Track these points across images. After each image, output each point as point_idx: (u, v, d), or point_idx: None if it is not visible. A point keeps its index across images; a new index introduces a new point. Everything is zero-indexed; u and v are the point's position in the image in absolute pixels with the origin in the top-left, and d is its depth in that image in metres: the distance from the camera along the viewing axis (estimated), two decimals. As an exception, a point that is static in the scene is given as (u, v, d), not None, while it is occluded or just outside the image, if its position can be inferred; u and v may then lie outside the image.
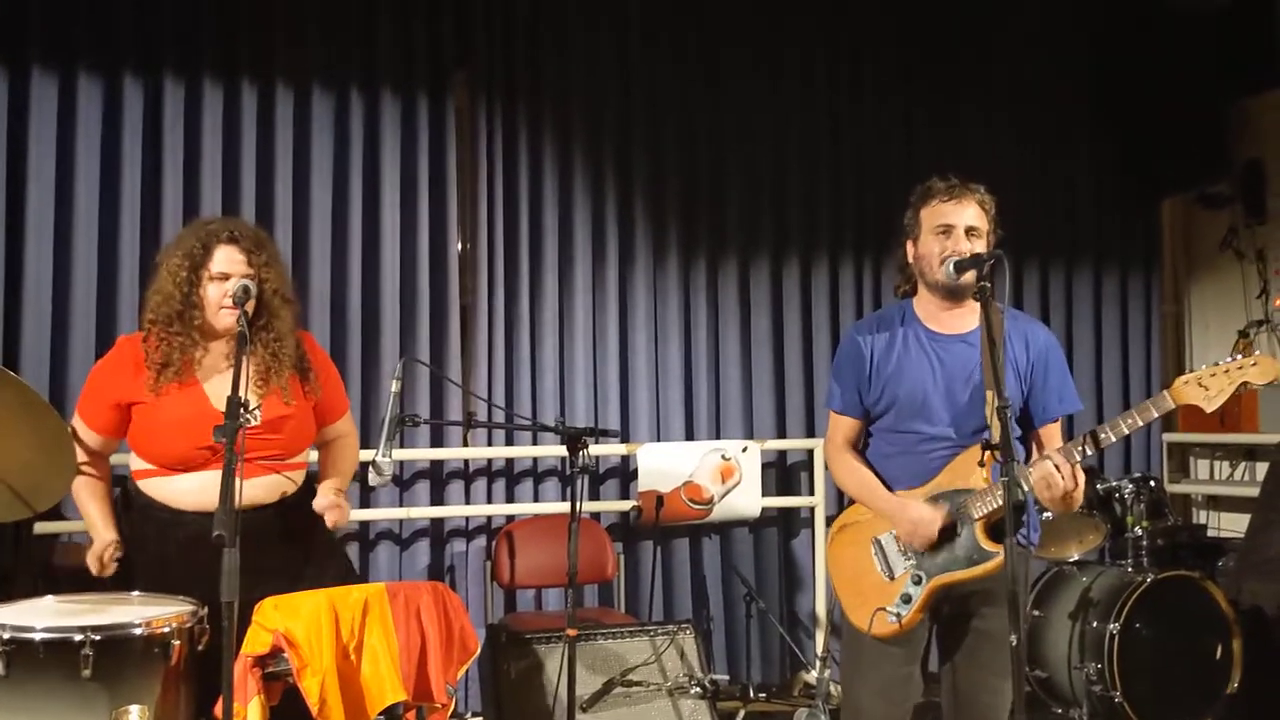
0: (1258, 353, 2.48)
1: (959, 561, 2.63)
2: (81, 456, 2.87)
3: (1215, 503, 5.78)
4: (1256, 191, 5.68)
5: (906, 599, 2.67)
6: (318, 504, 2.88)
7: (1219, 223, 5.87)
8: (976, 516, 2.61)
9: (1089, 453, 2.52)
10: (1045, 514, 4.29)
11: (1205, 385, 2.47)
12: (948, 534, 2.63)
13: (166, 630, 2.40)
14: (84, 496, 2.88)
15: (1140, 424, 2.52)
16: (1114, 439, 2.53)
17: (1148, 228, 5.84)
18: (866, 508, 2.82)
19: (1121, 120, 5.61)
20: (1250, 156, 5.69)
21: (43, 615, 2.45)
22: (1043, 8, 5.43)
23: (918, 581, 2.66)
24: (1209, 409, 2.49)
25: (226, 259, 2.82)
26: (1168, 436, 5.75)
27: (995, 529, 2.60)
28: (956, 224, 2.69)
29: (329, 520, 2.87)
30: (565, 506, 4.62)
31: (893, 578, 2.72)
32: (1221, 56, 5.46)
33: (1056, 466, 2.48)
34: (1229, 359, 2.48)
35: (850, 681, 2.89)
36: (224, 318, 2.79)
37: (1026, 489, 2.55)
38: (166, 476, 2.80)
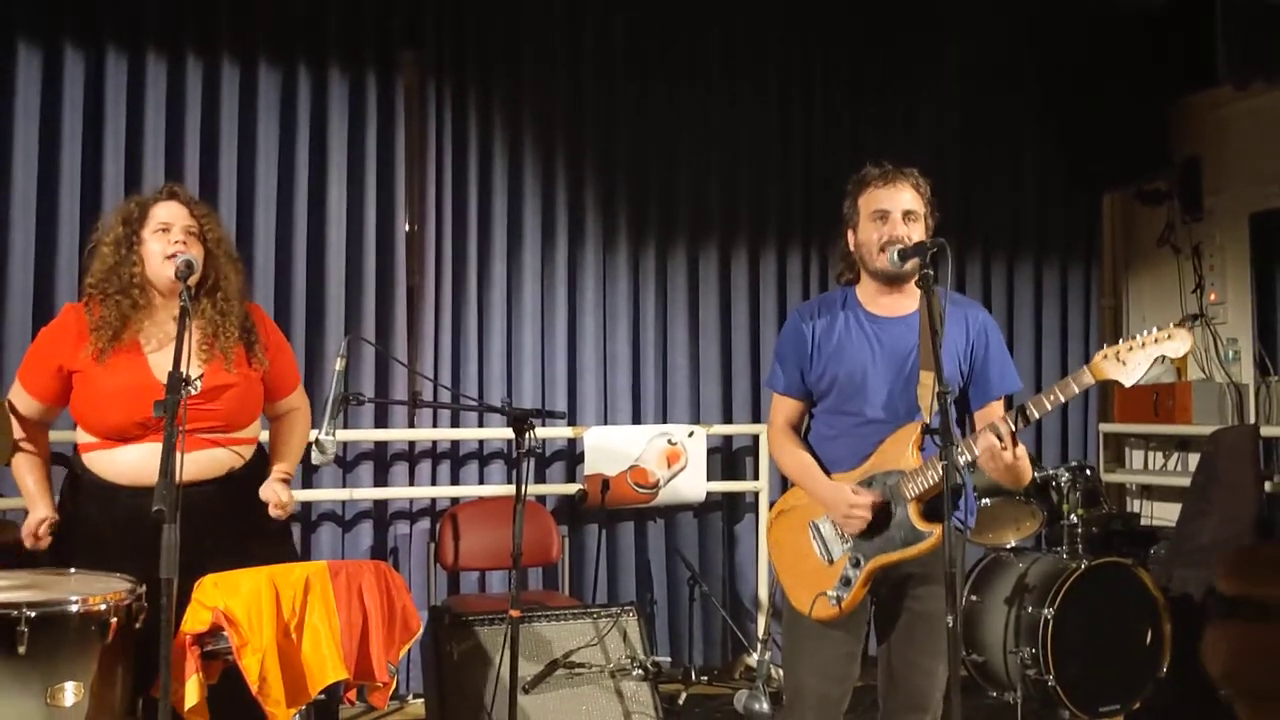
0: (1172, 325, 2.51)
1: (894, 543, 2.66)
2: (19, 432, 2.83)
3: (1149, 492, 5.90)
4: (1194, 189, 5.80)
5: (846, 581, 2.70)
6: (263, 493, 2.86)
7: (1157, 219, 5.98)
8: (910, 497, 2.64)
9: (1019, 427, 2.55)
10: (984, 500, 4.39)
11: (1123, 360, 2.51)
12: (883, 516, 2.66)
13: (103, 608, 2.37)
14: (21, 471, 2.85)
15: (1063, 399, 2.55)
16: (1039, 414, 2.56)
17: (1088, 222, 5.94)
18: (804, 492, 2.85)
19: (1065, 116, 5.70)
20: (1188, 154, 5.80)
21: (-24, 591, 2.41)
22: (990, 4, 5.50)
23: (856, 564, 2.69)
24: (1128, 383, 2.53)
25: (167, 212, 2.81)
26: (1104, 427, 5.87)
27: (930, 509, 2.63)
28: (892, 209, 2.72)
29: (271, 512, 2.85)
30: (510, 489, 4.63)
31: (831, 561, 2.75)
32: (1162, 55, 5.57)
33: (999, 436, 2.53)
34: (1145, 332, 2.52)
35: (792, 663, 2.91)
36: (166, 270, 2.74)
37: (970, 460, 2.58)
38: (107, 449, 2.76)
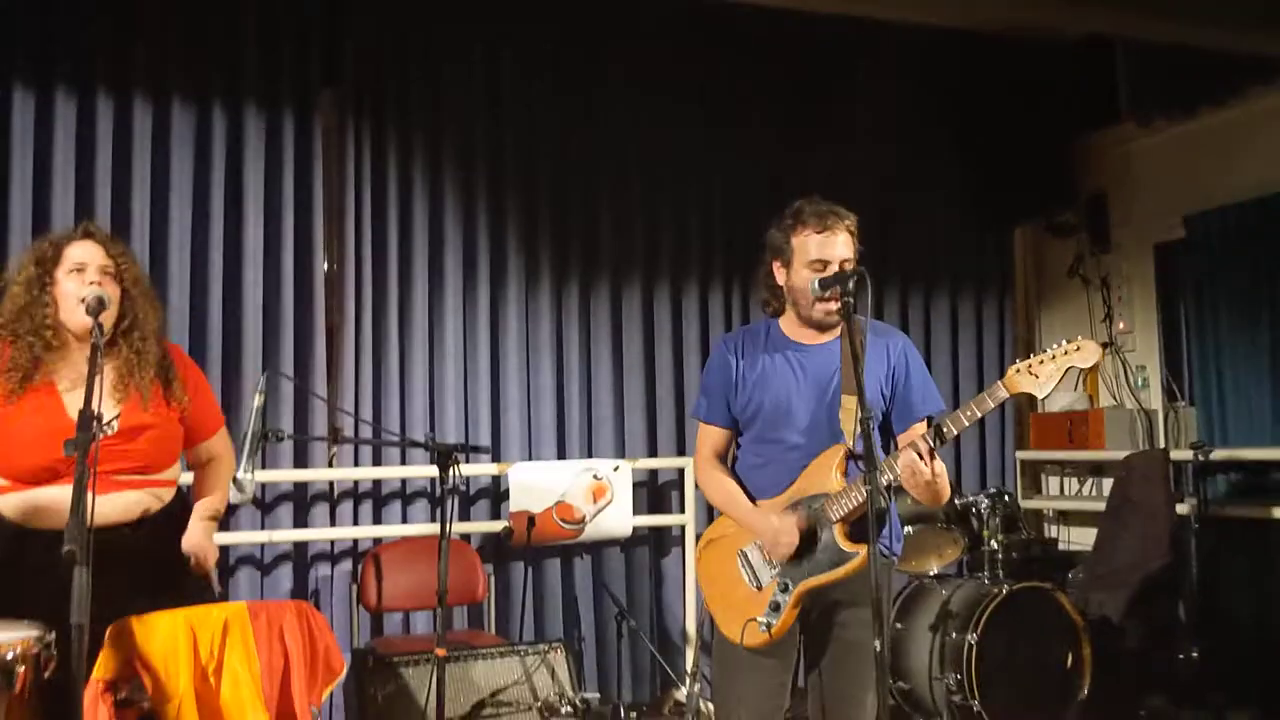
0: (1080, 338, 2.58)
1: (822, 565, 2.68)
2: None
3: (1065, 517, 6.02)
4: (1101, 222, 5.98)
5: (775, 607, 2.71)
6: (186, 544, 2.79)
7: (1067, 250, 6.14)
8: (835, 519, 2.66)
9: (937, 444, 2.59)
10: (907, 528, 4.44)
11: (1035, 373, 2.57)
12: (809, 539, 2.68)
13: (10, 656, 2.27)
14: None
15: (979, 414, 2.60)
16: (956, 431, 2.61)
17: (1000, 255, 6.09)
18: (731, 520, 2.86)
19: (975, 150, 5.83)
20: (1095, 188, 5.99)
21: (-125, 642, 2.30)
22: (900, 42, 5.63)
23: (784, 589, 2.71)
24: (1040, 394, 2.60)
25: (82, 251, 2.75)
26: (1021, 454, 5.98)
27: (855, 531, 2.65)
28: (831, 259, 2.73)
29: (193, 564, 2.78)
30: (434, 528, 4.60)
31: (760, 588, 2.76)
32: (1066, 93, 5.75)
33: (919, 454, 2.56)
34: (1055, 345, 2.58)
35: (723, 695, 2.91)
36: (80, 314, 2.66)
37: (893, 479, 2.61)
38: (19, 491, 2.66)
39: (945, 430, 2.59)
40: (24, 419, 2.65)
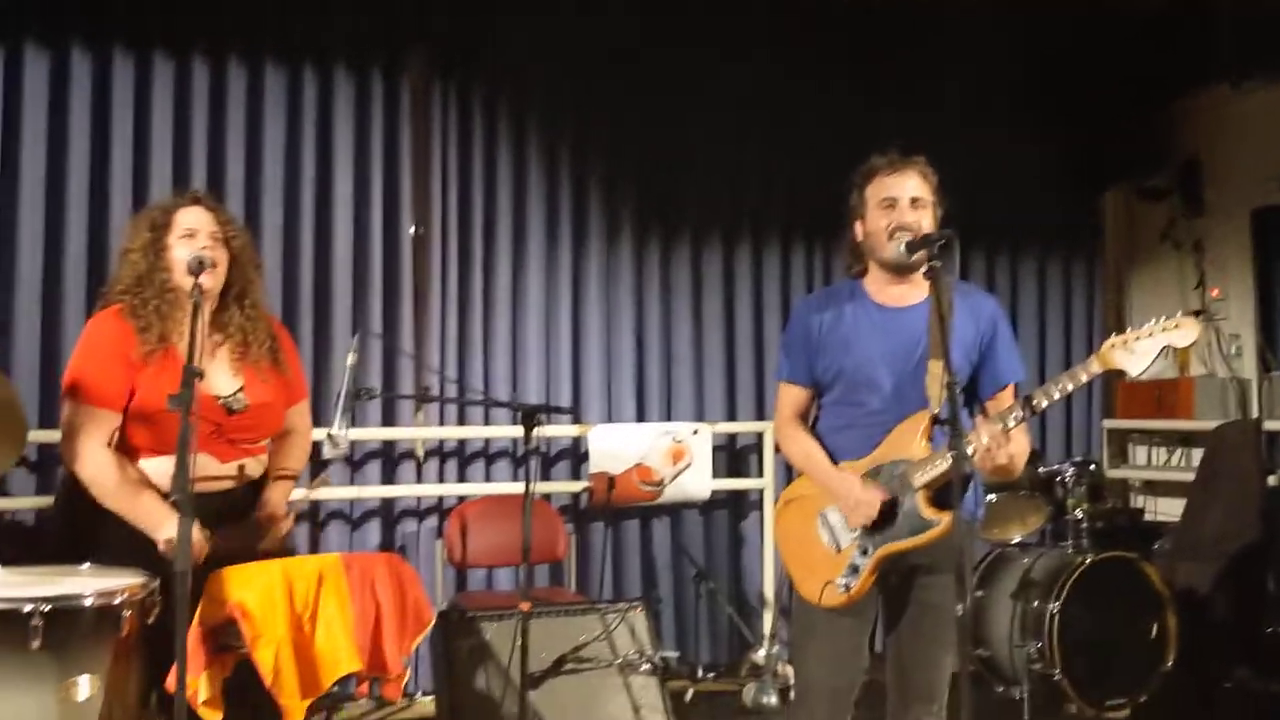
0: (1179, 314, 2.51)
1: (902, 531, 2.66)
2: (103, 453, 2.71)
3: (1152, 487, 5.91)
4: (1194, 186, 5.81)
5: (854, 569, 2.70)
6: (262, 514, 2.87)
7: (1159, 215, 5.99)
8: (917, 486, 2.64)
9: (1025, 416, 2.55)
10: (989, 496, 4.40)
11: (1131, 349, 2.51)
12: (890, 505, 2.67)
13: (117, 602, 2.37)
14: (134, 491, 2.69)
15: (1071, 388, 2.55)
16: (1046, 403, 2.56)
17: (1091, 219, 5.96)
18: (811, 481, 2.86)
19: (1067, 113, 5.70)
20: (1188, 152, 5.81)
21: (-9, 585, 2.42)
22: (993, 2, 5.51)
23: (864, 552, 2.70)
24: (1134, 372, 2.52)
25: (192, 218, 2.81)
26: (1108, 423, 5.88)
27: (938, 498, 2.63)
28: (900, 196, 2.71)
29: (267, 530, 2.85)
30: (516, 487, 4.67)
31: (839, 549, 2.75)
32: (1161, 54, 5.58)
33: (1004, 424, 2.53)
34: (1153, 321, 2.51)
35: (801, 656, 2.92)
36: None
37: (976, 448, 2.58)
38: (147, 459, 2.74)
39: (1035, 402, 2.55)
40: (157, 386, 2.68)
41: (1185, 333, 2.49)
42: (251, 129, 4.54)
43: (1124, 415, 5.88)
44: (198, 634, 2.48)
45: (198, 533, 2.50)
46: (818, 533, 2.80)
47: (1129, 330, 2.54)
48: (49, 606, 2.27)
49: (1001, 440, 2.53)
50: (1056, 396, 2.56)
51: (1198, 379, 5.59)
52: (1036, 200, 5.76)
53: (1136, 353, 2.51)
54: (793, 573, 2.87)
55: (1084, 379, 2.54)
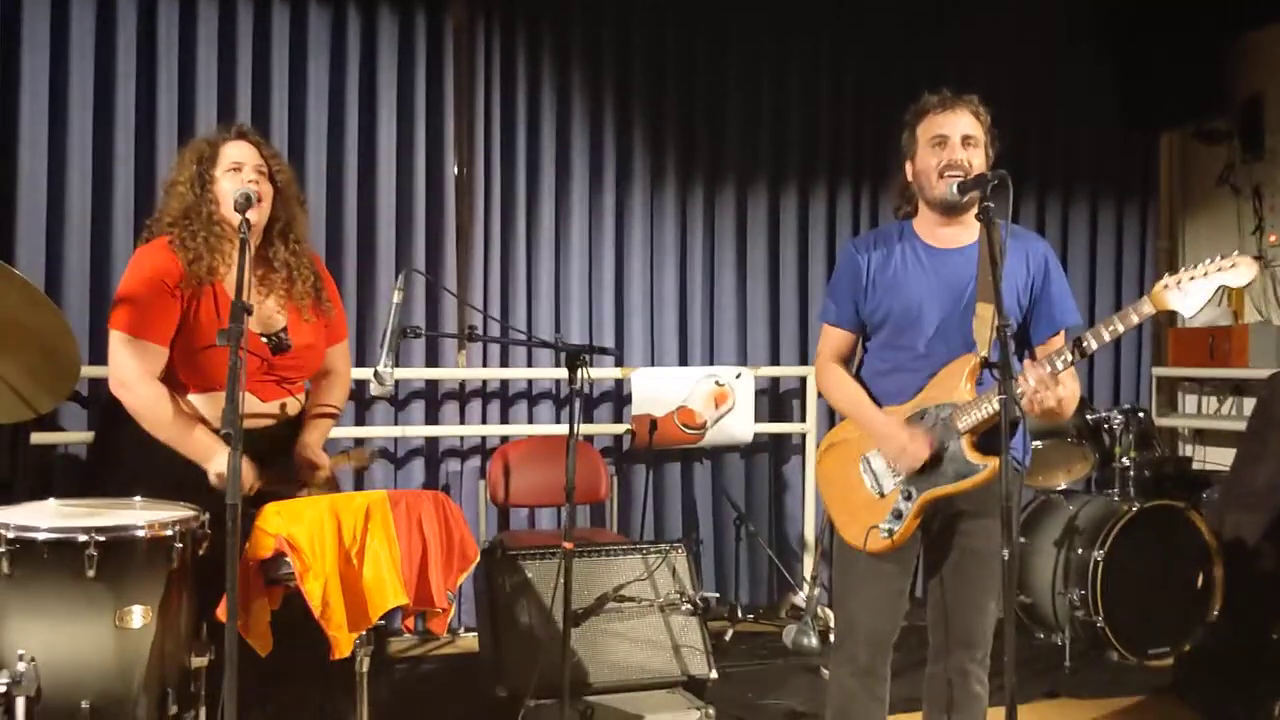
0: (1235, 253, 2.42)
1: (947, 476, 2.64)
2: (154, 385, 2.73)
3: (1201, 436, 5.84)
4: (1255, 128, 5.66)
5: (898, 515, 2.69)
6: (300, 457, 2.90)
7: (1216, 158, 5.85)
8: (962, 430, 2.61)
9: (1074, 359, 2.50)
10: (1035, 443, 4.35)
11: (1184, 289, 2.44)
12: (935, 449, 2.64)
13: (169, 533, 2.41)
14: (181, 422, 2.72)
15: (1122, 329, 2.48)
16: (1096, 346, 2.50)
17: (1145, 162, 5.84)
18: (854, 425, 2.83)
19: (1122, 54, 5.57)
20: (1250, 92, 5.65)
21: (46, 516, 2.47)
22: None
23: (908, 497, 2.68)
24: (1188, 313, 2.45)
25: (238, 151, 2.83)
26: (1157, 370, 5.80)
27: (984, 443, 2.60)
28: (951, 134, 2.67)
29: (308, 471, 2.89)
30: (559, 429, 4.70)
31: (883, 495, 2.73)
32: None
33: (1052, 367, 2.49)
34: (1207, 260, 2.43)
35: (843, 599, 2.90)
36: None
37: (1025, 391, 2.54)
38: (195, 394, 2.78)
39: (1085, 344, 2.49)
40: (205, 322, 2.72)
41: (1241, 272, 2.40)
42: (295, 70, 4.53)
43: (1175, 362, 5.80)
44: (248, 566, 2.52)
45: (248, 466, 2.54)
46: (860, 477, 2.79)
47: (1182, 270, 2.46)
48: (104, 537, 2.33)
49: (1050, 383, 2.49)
50: (1107, 338, 2.49)
51: (1252, 326, 5.49)
52: (1090, 143, 5.66)
53: (1189, 293, 2.43)
54: (835, 517, 2.85)
55: (1135, 320, 2.47)
